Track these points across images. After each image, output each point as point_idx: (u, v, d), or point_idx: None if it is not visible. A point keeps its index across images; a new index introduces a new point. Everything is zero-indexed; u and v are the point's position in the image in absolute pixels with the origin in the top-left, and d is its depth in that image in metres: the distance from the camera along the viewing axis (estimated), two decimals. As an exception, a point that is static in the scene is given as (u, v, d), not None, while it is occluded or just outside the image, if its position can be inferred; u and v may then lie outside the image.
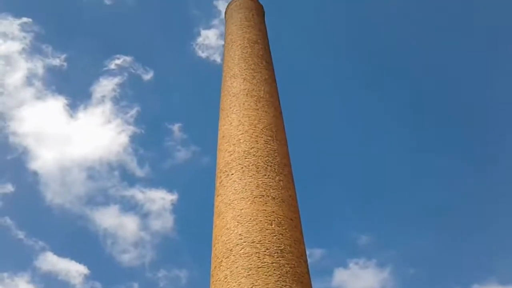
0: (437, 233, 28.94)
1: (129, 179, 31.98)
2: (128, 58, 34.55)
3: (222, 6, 33.51)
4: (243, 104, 13.17)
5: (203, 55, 35.30)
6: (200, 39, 35.39)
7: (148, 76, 34.58)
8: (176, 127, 33.59)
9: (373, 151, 32.69)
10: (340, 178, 32.75)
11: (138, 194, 31.26)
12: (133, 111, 33.63)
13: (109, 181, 31.55)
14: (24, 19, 33.54)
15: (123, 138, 32.79)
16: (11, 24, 33.37)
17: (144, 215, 31.15)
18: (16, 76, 32.83)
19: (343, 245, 30.37)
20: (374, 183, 31.48)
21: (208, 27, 36.70)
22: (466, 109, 32.18)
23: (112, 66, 34.15)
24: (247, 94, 13.46)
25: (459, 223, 29.26)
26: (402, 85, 34.08)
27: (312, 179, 30.82)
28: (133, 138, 33.04)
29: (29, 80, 33.01)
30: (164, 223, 31.22)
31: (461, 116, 32.16)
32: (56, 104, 33.18)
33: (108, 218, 30.42)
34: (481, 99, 31.88)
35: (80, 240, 30.50)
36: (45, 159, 31.46)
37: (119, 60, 34.38)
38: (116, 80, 33.87)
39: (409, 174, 31.83)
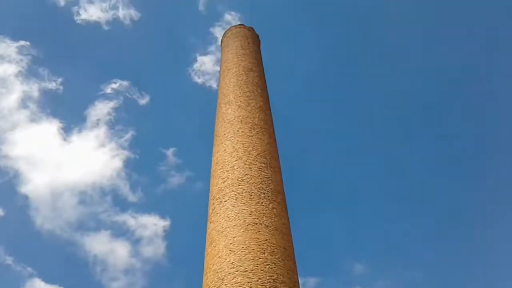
0: (432, 264, 28.67)
1: (121, 204, 31.65)
2: (125, 83, 34.78)
3: (218, 33, 34.11)
4: (238, 130, 13.19)
5: (199, 81, 35.64)
6: (196, 65, 35.79)
7: (144, 100, 34.76)
8: (170, 152, 33.53)
9: (368, 179, 32.71)
10: (335, 206, 32.61)
11: (130, 219, 30.87)
12: (128, 135, 33.62)
13: (100, 206, 31.18)
14: (22, 42, 33.82)
15: (117, 163, 32.64)
16: (9, 47, 33.62)
17: (136, 241, 30.68)
18: (11, 99, 32.85)
19: (337, 274, 29.96)
20: (369, 211, 31.36)
21: (205, 53, 37.18)
22: (464, 139, 32.44)
23: (108, 90, 34.35)
24: (241, 121, 13.51)
25: (454, 254, 29.09)
26: (399, 112, 34.37)
27: (306, 206, 30.68)
28: (127, 163, 32.89)
29: (23, 102, 33.04)
30: (155, 249, 30.72)
31: (457, 146, 32.40)
32: (50, 127, 33.13)
33: (99, 244, 29.90)
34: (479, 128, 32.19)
35: (69, 267, 29.86)
36: (36, 183, 31.15)
37: (116, 85, 34.62)
38: (112, 104, 34.00)
39: (404, 203, 31.77)
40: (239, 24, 18.11)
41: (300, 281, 10.56)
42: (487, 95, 31.81)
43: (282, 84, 33.74)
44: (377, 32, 35.22)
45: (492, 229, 28.50)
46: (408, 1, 34.94)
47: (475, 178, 30.97)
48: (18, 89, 33.05)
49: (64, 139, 33.19)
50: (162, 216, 31.63)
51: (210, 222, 11.42)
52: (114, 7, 35.71)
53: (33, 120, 33.12)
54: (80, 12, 34.84)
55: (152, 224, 30.89)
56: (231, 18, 35.19)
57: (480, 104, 31.95)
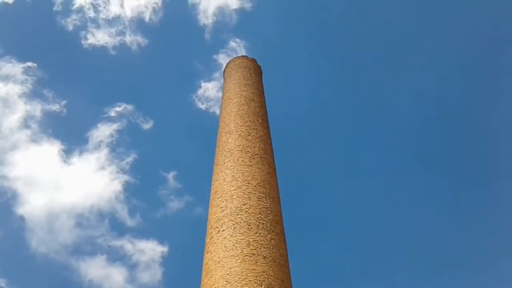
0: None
1: (119, 228, 31.33)
2: (129, 106, 35.01)
3: (222, 60, 34.66)
4: (238, 160, 13.24)
5: (202, 107, 35.93)
6: (200, 91, 36.16)
7: (147, 125, 34.92)
8: (171, 176, 33.42)
9: (369, 209, 32.45)
10: (335, 235, 32.19)
11: (127, 244, 30.52)
12: (129, 159, 33.58)
13: (97, 230, 30.86)
14: (29, 64, 34.20)
15: (116, 185, 32.49)
16: (15, 68, 34.02)
17: (132, 267, 30.21)
18: (13, 119, 33.01)
19: None
20: (370, 240, 30.96)
21: (209, 79, 37.62)
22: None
23: (112, 113, 34.53)
24: (241, 150, 13.58)
25: (460, 281, 28.41)
26: (399, 138, 34.32)
27: (307, 236, 30.36)
28: (127, 186, 32.74)
29: (25, 123, 33.18)
30: (152, 275, 30.21)
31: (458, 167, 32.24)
32: (51, 149, 33.12)
33: (94, 269, 29.44)
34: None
35: (63, 292, 29.28)
36: (33, 204, 30.90)
37: (120, 108, 34.80)
38: (115, 126, 34.11)
39: (407, 231, 31.32)
40: (241, 56, 18.49)
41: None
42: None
43: (282, 113, 34.03)
44: (378, 59, 35.72)
45: (497, 265, 28.03)
46: (408, 21, 35.49)
47: (478, 207, 30.73)
48: (21, 109, 33.32)
49: (65, 161, 33.18)
50: (160, 241, 31.29)
51: (207, 252, 11.32)
52: (121, 33, 36.48)
53: (34, 141, 33.21)
54: (88, 37, 35.55)
55: (150, 249, 30.52)
56: (236, 45, 35.85)
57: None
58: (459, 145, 32.74)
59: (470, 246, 29.57)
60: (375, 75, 35.37)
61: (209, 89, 35.67)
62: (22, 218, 30.47)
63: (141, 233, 31.40)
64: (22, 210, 30.55)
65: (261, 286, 9.99)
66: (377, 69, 35.43)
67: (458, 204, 31.33)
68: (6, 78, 33.64)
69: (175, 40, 38.37)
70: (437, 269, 29.00)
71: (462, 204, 31.30)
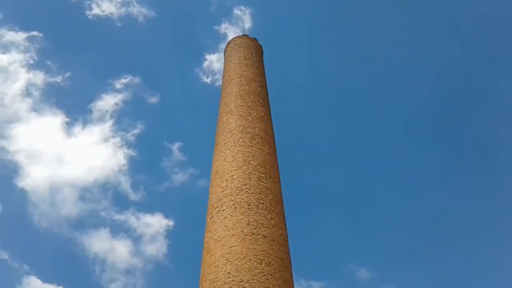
0: (436, 271, 28.40)
1: (123, 202, 31.29)
2: (135, 79, 34.62)
3: (226, 29, 34.34)
4: (238, 140, 13.26)
5: (207, 80, 35.64)
6: (206, 63, 35.81)
7: (153, 99, 34.65)
8: (175, 147, 33.24)
9: (370, 184, 32.56)
10: (338, 211, 32.37)
11: (131, 218, 30.64)
12: (134, 131, 33.36)
13: (101, 204, 30.85)
14: (34, 33, 33.59)
15: (120, 158, 32.27)
16: (18, 36, 33.46)
17: (137, 240, 30.32)
18: (14, 88, 32.50)
19: (341, 279, 29.61)
20: (374, 217, 31.15)
21: (214, 51, 37.21)
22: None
23: (118, 85, 34.16)
24: (242, 130, 13.58)
25: (459, 260, 28.73)
26: (399, 116, 34.23)
27: (310, 211, 30.53)
28: (131, 158, 32.55)
29: (27, 91, 32.71)
30: (157, 248, 30.33)
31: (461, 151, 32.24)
32: (53, 120, 32.53)
33: (99, 242, 29.59)
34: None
35: (68, 265, 29.47)
36: (35, 177, 30.48)
37: (126, 80, 34.35)
38: (121, 97, 33.79)
39: (410, 209, 31.49)
40: (242, 35, 18.30)
41: (303, 285, 10.58)
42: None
43: (283, 94, 33.83)
44: (382, 42, 35.35)
45: (501, 239, 28.19)
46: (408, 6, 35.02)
47: (480, 184, 30.80)
48: (23, 78, 32.69)
49: (68, 133, 32.85)
50: (165, 215, 31.26)
51: (208, 231, 11.46)
52: (126, 4, 35.94)
53: (36, 110, 32.77)
54: (92, 7, 34.93)
55: (154, 222, 30.42)
56: (241, 13, 35.38)
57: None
58: (461, 116, 32.55)
59: (472, 226, 29.79)
60: (378, 53, 35.05)
61: (214, 61, 35.30)
62: (23, 191, 30.22)
63: (145, 206, 31.32)
64: (24, 183, 30.26)
65: (261, 264, 10.15)
66: (380, 47, 35.10)
67: (464, 177, 31.33)
68: (8, 47, 33.04)
69: (180, 12, 37.80)
70: (445, 242, 29.18)
71: (467, 179, 31.26)
